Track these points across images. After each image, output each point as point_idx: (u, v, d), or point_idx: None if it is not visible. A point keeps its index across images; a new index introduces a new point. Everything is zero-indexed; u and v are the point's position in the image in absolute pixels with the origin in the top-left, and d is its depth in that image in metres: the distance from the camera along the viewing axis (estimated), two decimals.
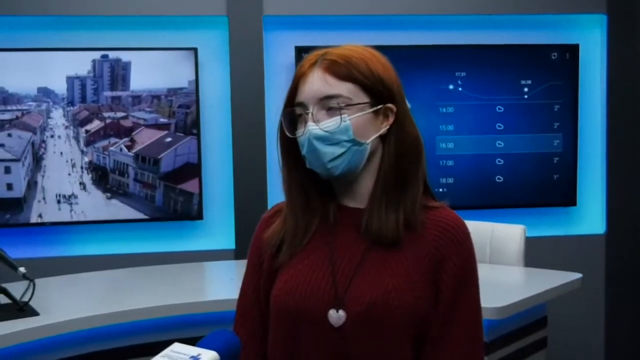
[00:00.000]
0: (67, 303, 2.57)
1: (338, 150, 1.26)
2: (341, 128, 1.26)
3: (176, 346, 1.06)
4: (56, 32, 3.62)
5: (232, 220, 3.76)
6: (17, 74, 3.31)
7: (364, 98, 1.28)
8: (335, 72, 1.27)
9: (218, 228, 3.81)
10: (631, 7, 3.95)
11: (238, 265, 3.30)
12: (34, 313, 2.32)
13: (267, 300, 1.35)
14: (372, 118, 1.29)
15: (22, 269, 2.32)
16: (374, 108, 1.28)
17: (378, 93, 1.28)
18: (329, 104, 1.26)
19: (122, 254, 3.61)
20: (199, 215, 3.69)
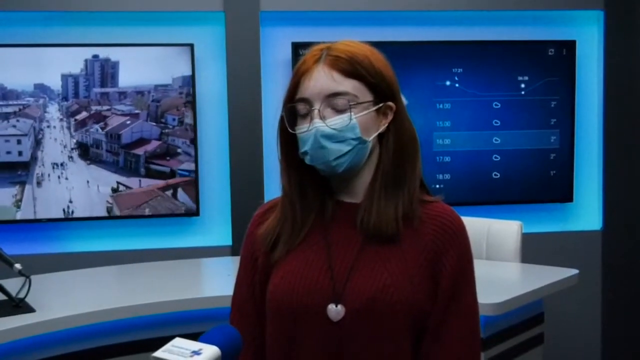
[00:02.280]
0: (63, 300, 2.56)
1: (345, 147, 1.26)
2: (349, 126, 1.25)
3: (177, 341, 1.05)
4: (52, 28, 3.61)
5: (228, 217, 3.75)
6: (14, 69, 3.40)
7: (368, 96, 1.28)
8: (341, 68, 1.26)
9: (214, 224, 3.80)
10: (628, 4, 3.96)
11: (235, 261, 3.29)
12: (30, 310, 2.31)
13: (262, 296, 1.35)
14: (374, 116, 1.29)
15: (18, 266, 2.31)
16: (377, 106, 1.29)
17: (380, 91, 1.29)
18: (335, 101, 1.26)
19: (118, 251, 3.61)
20: (195, 212, 3.68)
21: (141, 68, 3.54)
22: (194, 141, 3.62)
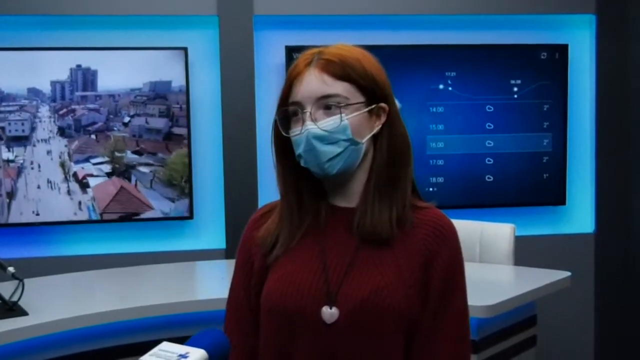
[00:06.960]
0: (56, 303, 2.56)
1: (336, 149, 1.27)
2: (340, 127, 1.26)
3: (165, 345, 1.05)
4: (46, 31, 3.62)
5: (222, 220, 3.75)
6: (8, 73, 3.52)
7: (359, 97, 1.29)
8: (331, 71, 1.27)
9: (208, 228, 3.81)
10: (620, 7, 3.97)
11: (228, 264, 3.29)
12: (23, 313, 2.31)
13: (258, 299, 1.36)
14: (366, 117, 1.30)
15: (11, 269, 2.32)
16: (369, 107, 1.29)
17: (372, 93, 1.30)
18: (326, 103, 1.27)
19: (111, 254, 3.61)
20: (189, 215, 3.69)
21: (135, 71, 3.61)
22: (188, 144, 3.65)
